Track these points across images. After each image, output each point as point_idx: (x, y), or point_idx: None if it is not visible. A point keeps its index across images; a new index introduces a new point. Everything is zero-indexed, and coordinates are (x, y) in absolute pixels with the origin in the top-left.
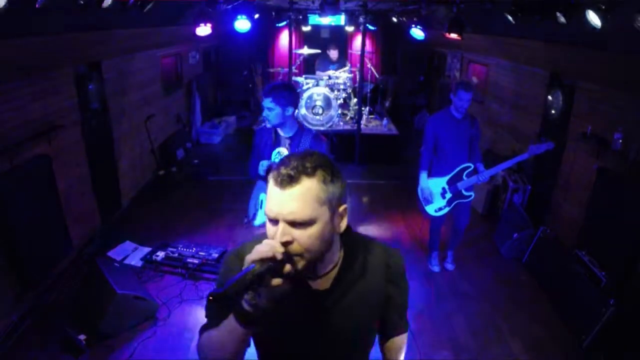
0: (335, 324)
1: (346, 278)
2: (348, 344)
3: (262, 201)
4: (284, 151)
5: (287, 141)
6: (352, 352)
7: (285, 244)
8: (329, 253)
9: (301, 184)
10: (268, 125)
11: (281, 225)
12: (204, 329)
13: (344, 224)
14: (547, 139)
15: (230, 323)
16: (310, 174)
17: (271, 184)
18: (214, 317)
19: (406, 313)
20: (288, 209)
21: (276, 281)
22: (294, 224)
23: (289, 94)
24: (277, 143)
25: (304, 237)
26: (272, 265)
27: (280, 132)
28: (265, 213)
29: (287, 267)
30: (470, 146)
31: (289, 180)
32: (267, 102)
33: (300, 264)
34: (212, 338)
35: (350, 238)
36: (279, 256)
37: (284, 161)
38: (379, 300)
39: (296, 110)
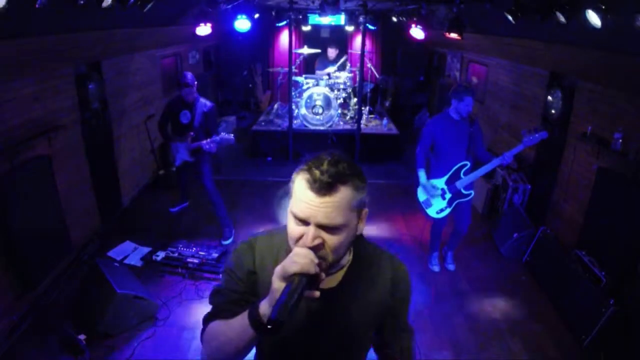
0: (335, 323)
1: (352, 281)
2: (345, 344)
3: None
4: (187, 114)
5: (190, 106)
6: (348, 353)
7: (317, 248)
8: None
9: (338, 192)
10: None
11: (312, 228)
12: (210, 317)
13: (363, 226)
14: (540, 129)
15: (243, 325)
16: (345, 182)
17: (304, 186)
18: (223, 310)
19: (408, 319)
20: (323, 214)
21: (316, 293)
22: (325, 227)
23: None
24: (185, 107)
25: (333, 241)
26: (311, 277)
27: (186, 100)
28: (293, 212)
29: (323, 276)
30: (469, 146)
31: (327, 188)
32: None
33: (324, 267)
34: (220, 332)
35: (360, 241)
36: (317, 268)
37: (316, 162)
38: (380, 310)
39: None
